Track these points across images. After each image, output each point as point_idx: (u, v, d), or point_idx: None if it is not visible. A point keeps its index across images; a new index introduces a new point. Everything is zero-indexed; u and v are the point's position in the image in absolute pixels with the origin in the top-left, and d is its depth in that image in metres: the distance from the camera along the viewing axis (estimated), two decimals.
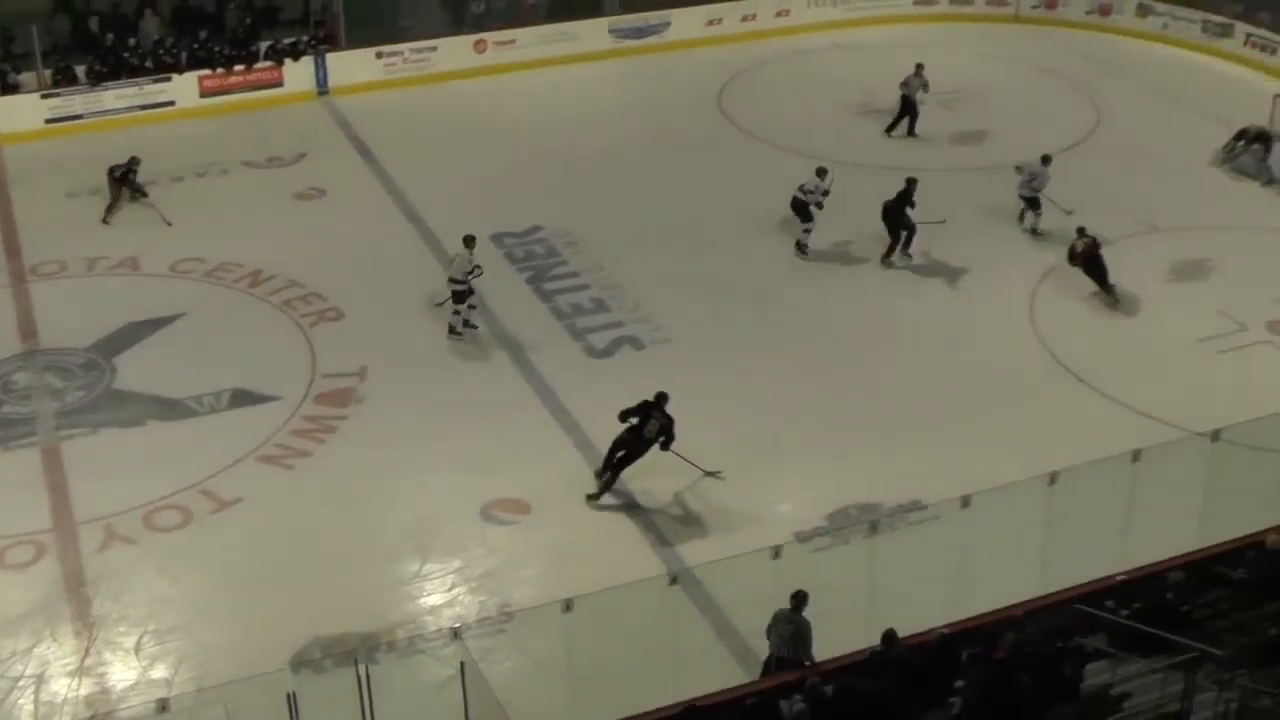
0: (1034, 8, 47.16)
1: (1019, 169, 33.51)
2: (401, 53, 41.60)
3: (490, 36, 42.52)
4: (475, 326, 29.19)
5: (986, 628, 19.64)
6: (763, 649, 20.15)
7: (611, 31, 43.77)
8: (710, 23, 44.83)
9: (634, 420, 24.46)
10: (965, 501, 20.65)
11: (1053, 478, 21.19)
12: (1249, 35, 43.80)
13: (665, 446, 24.64)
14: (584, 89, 41.77)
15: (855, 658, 19.14)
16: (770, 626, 19.80)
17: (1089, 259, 30.68)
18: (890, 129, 38.72)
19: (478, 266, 28.82)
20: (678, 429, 24.34)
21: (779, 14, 45.66)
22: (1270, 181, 36.02)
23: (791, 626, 19.64)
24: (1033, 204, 33.30)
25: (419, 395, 27.03)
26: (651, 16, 44.18)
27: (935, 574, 21.00)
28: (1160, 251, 32.36)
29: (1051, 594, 20.74)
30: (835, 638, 19.86)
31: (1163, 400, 26.86)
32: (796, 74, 43.13)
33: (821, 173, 32.31)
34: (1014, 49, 44.65)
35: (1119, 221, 33.11)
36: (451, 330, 29.06)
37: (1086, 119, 39.48)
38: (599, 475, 24.79)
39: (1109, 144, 37.84)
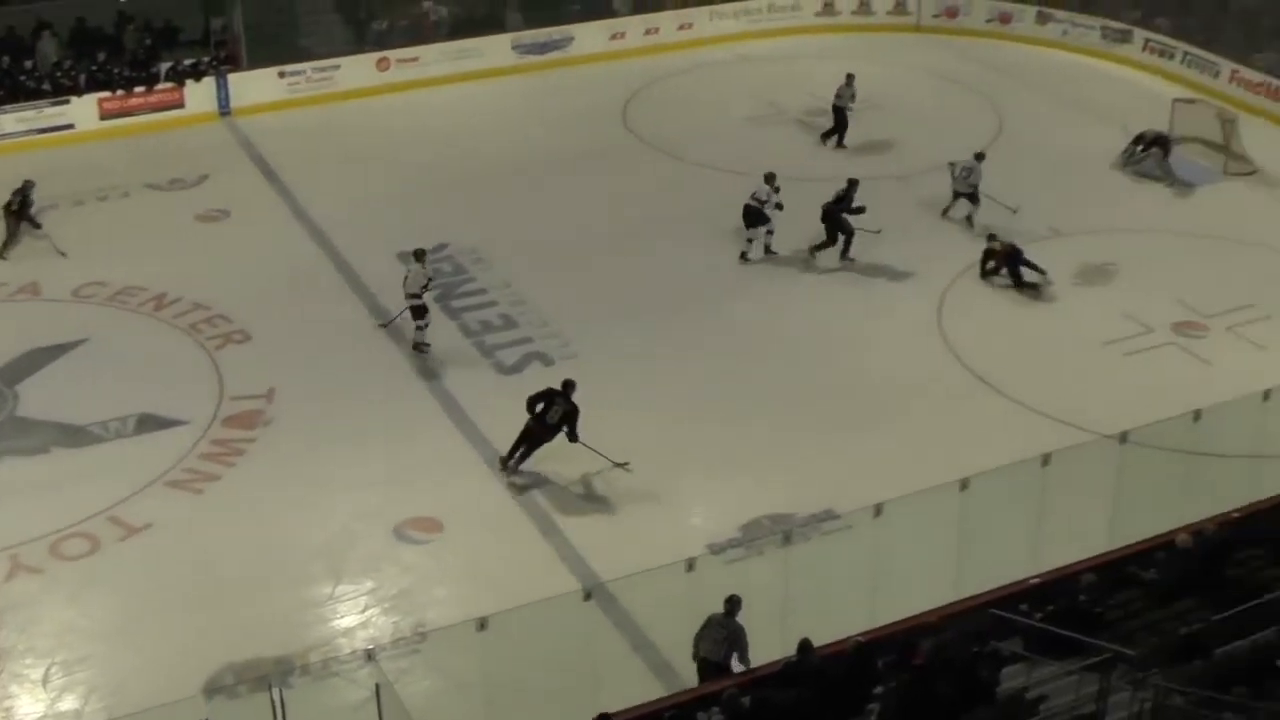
0: (935, 17, 47.49)
1: (952, 165, 34.17)
2: (304, 72, 41.38)
3: (393, 54, 42.37)
4: (428, 345, 29.02)
5: (902, 635, 19.69)
6: (680, 660, 20.24)
7: (514, 47, 43.70)
8: (613, 37, 44.87)
9: (539, 406, 24.99)
10: (878, 510, 20.68)
11: (964, 483, 21.28)
12: (1147, 41, 44.29)
13: (572, 437, 25.03)
14: (488, 105, 41.68)
15: (771, 668, 19.15)
16: (701, 632, 19.80)
17: (1009, 258, 31.27)
18: (825, 137, 38.94)
19: (431, 279, 28.95)
20: (590, 429, 24.33)
21: (681, 27, 45.76)
22: (1175, 183, 36.43)
23: (724, 631, 19.72)
24: (971, 198, 33.99)
25: (328, 416, 26.83)
26: (554, 32, 44.16)
27: (850, 583, 21.04)
28: (1065, 255, 32.58)
29: (966, 599, 20.82)
30: (751, 649, 19.90)
31: (1071, 403, 27.04)
32: (700, 86, 43.21)
33: (770, 178, 32.59)
34: (916, 58, 44.92)
35: (1024, 226, 33.40)
36: (416, 346, 29.00)
37: (989, 125, 39.74)
38: (504, 461, 25.37)
39: (1012, 150, 38.04)
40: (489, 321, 30.04)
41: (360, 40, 43.17)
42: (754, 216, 32.47)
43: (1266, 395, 23.66)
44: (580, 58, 44.26)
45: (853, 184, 32.55)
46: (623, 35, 44.98)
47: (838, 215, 32.30)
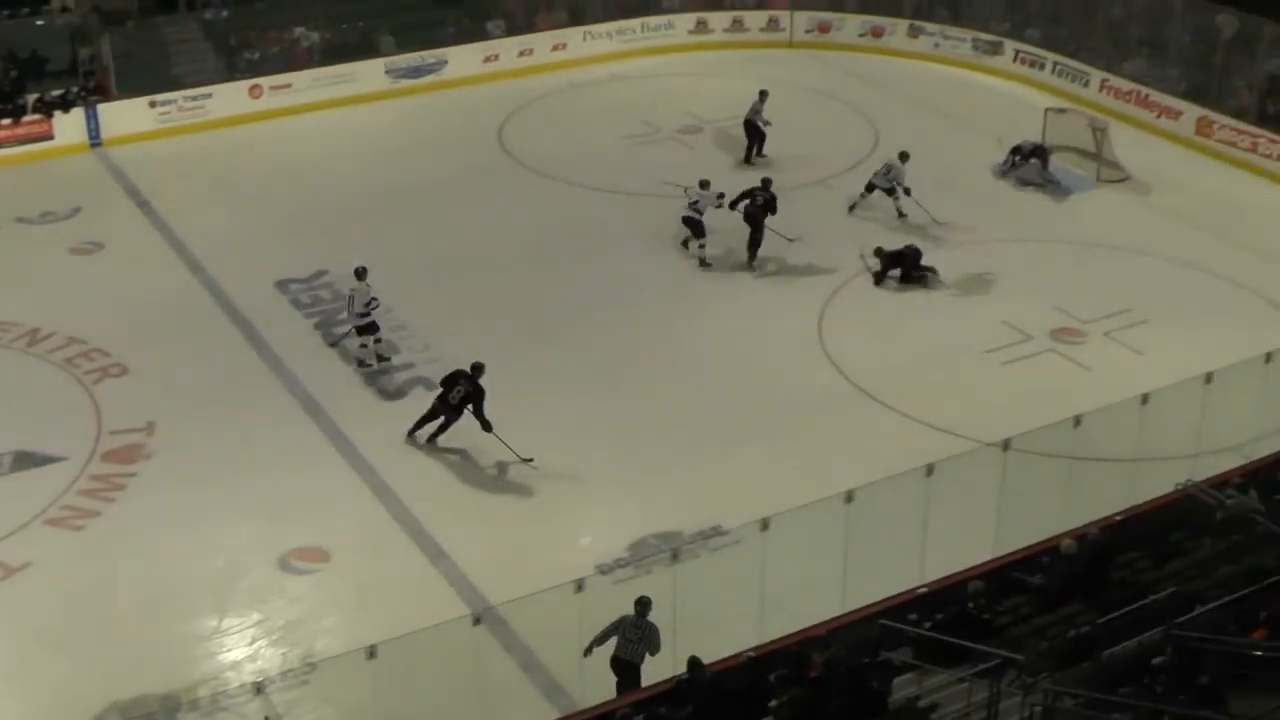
0: (808, 32, 47.75)
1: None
2: (175, 101, 40.93)
3: (265, 81, 42.02)
4: (388, 359, 29.43)
5: (793, 648, 19.76)
6: (572, 681, 20.40)
7: (388, 72, 43.48)
8: (487, 59, 44.76)
9: (442, 388, 26.28)
10: (764, 524, 20.68)
11: (849, 495, 21.31)
12: (1018, 52, 44.82)
13: (482, 423, 25.98)
14: (363, 130, 41.45)
15: (663, 687, 19.15)
16: (606, 633, 20.06)
17: (900, 259, 32.36)
18: (748, 158, 39.09)
19: (374, 298, 29.09)
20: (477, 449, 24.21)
21: (555, 48, 45.73)
22: (1057, 191, 36.89)
23: (639, 632, 20.06)
24: (889, 193, 35.41)
25: (209, 447, 26.54)
26: (428, 55, 43.96)
27: (739, 598, 21.06)
28: (943, 265, 32.82)
29: (856, 610, 20.94)
30: (642, 668, 19.90)
31: (953, 413, 27.26)
32: (576, 106, 43.22)
33: (705, 184, 33.19)
34: (791, 74, 45.10)
35: (902, 237, 33.66)
36: (361, 363, 29.22)
37: (866, 139, 40.00)
38: (410, 434, 26.66)
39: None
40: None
41: (232, 68, 42.73)
42: (693, 224, 33.16)
43: (1145, 399, 23.92)
44: (455, 80, 44.09)
45: (767, 181, 33.56)
46: (497, 57, 44.86)
47: (761, 219, 33.03)
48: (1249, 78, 40.26)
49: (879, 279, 32.32)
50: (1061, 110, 40.07)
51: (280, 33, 43.52)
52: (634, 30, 46.83)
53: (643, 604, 20.16)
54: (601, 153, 39.46)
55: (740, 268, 32.90)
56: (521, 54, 45.24)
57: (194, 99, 41.16)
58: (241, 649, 22.02)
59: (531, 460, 25.86)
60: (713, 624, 20.47)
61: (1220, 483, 23.24)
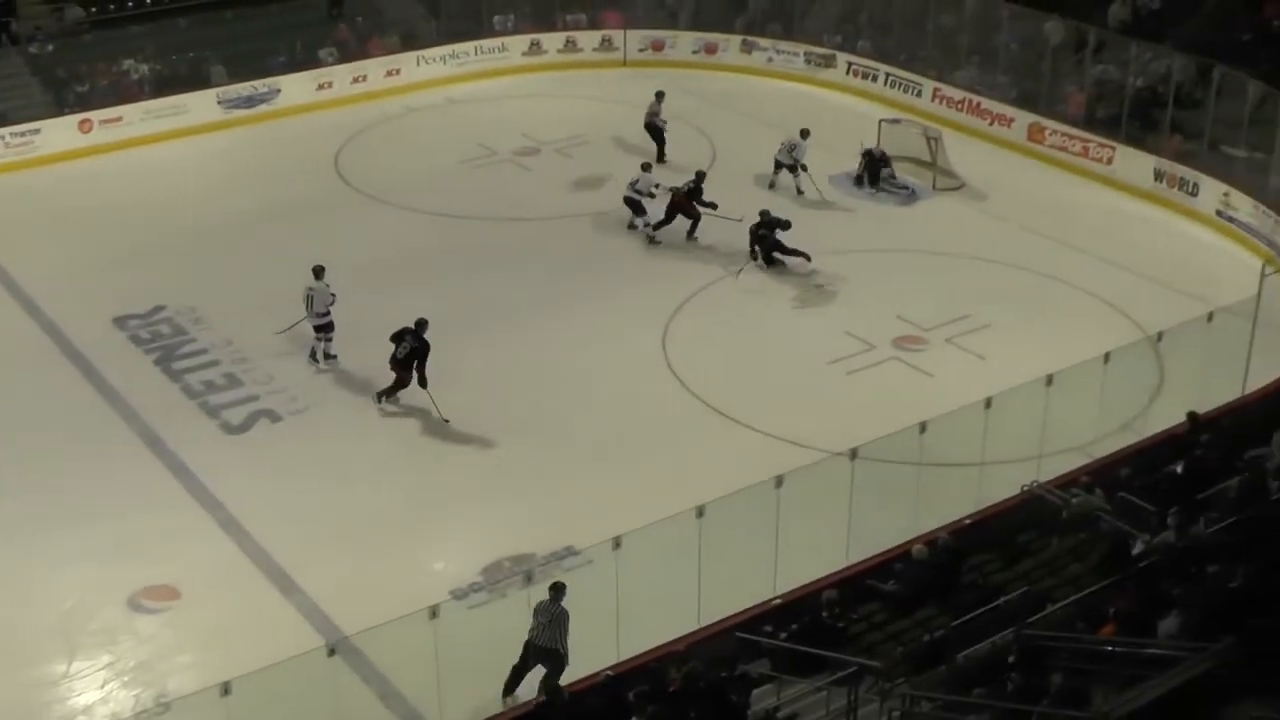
0: (641, 51, 47.84)
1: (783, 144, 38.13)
2: (3, 137, 40.19)
3: (95, 115, 41.37)
4: (335, 356, 30.11)
5: (651, 664, 19.78)
6: (430, 711, 20.29)
7: (220, 102, 42.98)
8: (321, 86, 44.41)
9: (392, 344, 28.07)
10: (617, 542, 20.69)
11: (700, 510, 21.37)
12: (851, 64, 45.21)
13: (421, 380, 27.89)
14: (197, 162, 40.88)
15: (522, 709, 19.12)
16: (533, 613, 20.65)
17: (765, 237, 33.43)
18: (660, 158, 39.71)
19: (333, 297, 29.78)
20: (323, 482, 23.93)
21: (389, 73, 45.46)
22: (907, 197, 37.33)
23: (548, 615, 20.55)
24: (792, 170, 37.78)
25: (51, 488, 26.09)
26: (260, 84, 43.49)
27: (595, 617, 21.01)
28: (784, 278, 33.11)
29: (712, 624, 21.01)
30: (500, 691, 19.89)
31: (800, 424, 27.43)
32: (411, 132, 42.98)
33: (647, 167, 34.89)
34: (626, 93, 45.11)
35: (743, 251, 33.82)
36: (312, 356, 30.06)
37: (703, 155, 40.12)
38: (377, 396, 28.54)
39: (727, 178, 38.52)
40: (212, 381, 29.49)
41: (60, 102, 42.06)
42: (633, 205, 35.36)
43: (988, 403, 24.21)
44: (289, 109, 43.69)
45: (700, 175, 35.06)
46: (330, 84, 44.53)
47: (688, 204, 34.49)
48: (1077, 83, 40.89)
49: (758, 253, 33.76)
50: (895, 121, 40.52)
51: (109, 65, 42.94)
52: (468, 54, 46.64)
53: (556, 589, 20.65)
54: (439, 177, 39.30)
55: (574, 282, 33.08)
56: (355, 80, 44.93)
57: (21, 135, 40.44)
58: (92, 692, 21.67)
59: (449, 421, 27.75)
60: (570, 644, 20.42)
61: (1066, 482, 23.63)
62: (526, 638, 20.70)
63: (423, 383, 27.94)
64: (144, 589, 23.56)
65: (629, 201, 35.44)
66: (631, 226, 35.47)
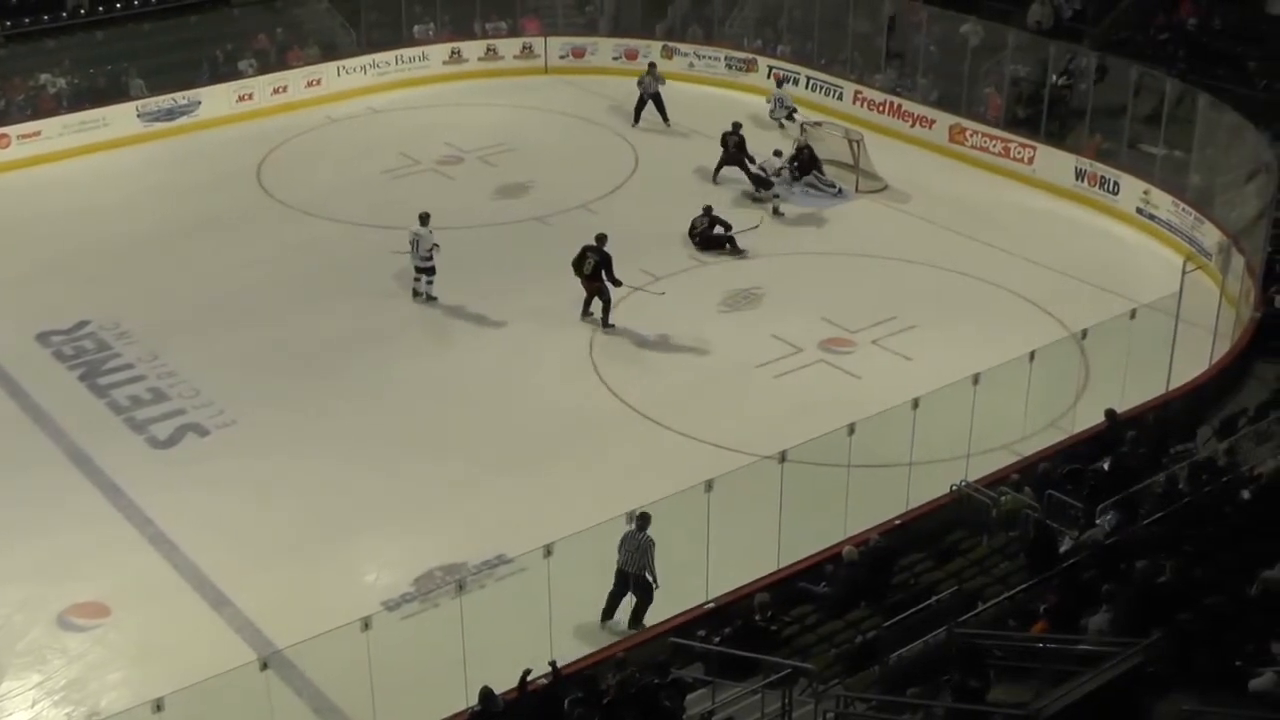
0: (562, 58, 47.86)
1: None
2: None
3: (12, 130, 40.98)
4: (436, 298, 32.71)
5: (585, 671, 19.80)
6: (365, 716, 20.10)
7: (140, 115, 42.68)
8: (241, 98, 44.17)
9: (574, 269, 31.26)
10: (548, 550, 20.67)
11: (630, 516, 21.47)
12: (771, 68, 45.29)
13: (615, 283, 31.16)
14: (118, 175, 40.56)
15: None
16: (619, 545, 22.04)
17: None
18: (665, 120, 42.99)
19: (436, 245, 32.35)
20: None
21: (310, 84, 45.28)
22: (840, 194, 37.57)
23: (635, 543, 21.87)
24: (789, 116, 42.46)
25: None
26: (180, 97, 43.19)
27: (528, 625, 21.03)
28: (710, 283, 33.21)
29: (645, 630, 21.05)
30: (434, 701, 19.85)
31: (729, 428, 27.51)
32: (333, 142, 42.83)
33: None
34: (548, 100, 45.23)
35: (667, 256, 34.00)
36: (415, 294, 32.81)
37: (626, 161, 40.20)
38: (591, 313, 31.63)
39: (650, 183, 38.70)
40: (138, 396, 29.29)
41: None
42: (760, 183, 37.76)
43: (916, 403, 24.33)
44: (210, 121, 43.44)
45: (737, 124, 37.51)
46: (250, 96, 44.29)
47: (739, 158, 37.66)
48: (996, 84, 41.16)
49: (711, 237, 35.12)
50: (817, 124, 40.69)
51: (25, 80, 42.56)
52: (388, 63, 46.52)
53: (641, 519, 21.91)
54: (362, 187, 39.17)
55: (500, 290, 33.15)
56: (275, 91, 44.73)
57: None
58: (23, 713, 21.49)
59: (664, 293, 32.21)
60: (503, 653, 20.35)
61: (994, 481, 23.80)
62: (617, 566, 22.11)
63: (617, 284, 31.22)
64: (73, 606, 23.38)
65: (757, 179, 37.57)
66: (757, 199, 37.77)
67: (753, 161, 37.94)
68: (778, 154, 37.95)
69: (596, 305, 31.46)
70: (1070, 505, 22.48)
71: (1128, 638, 16.98)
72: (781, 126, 42.47)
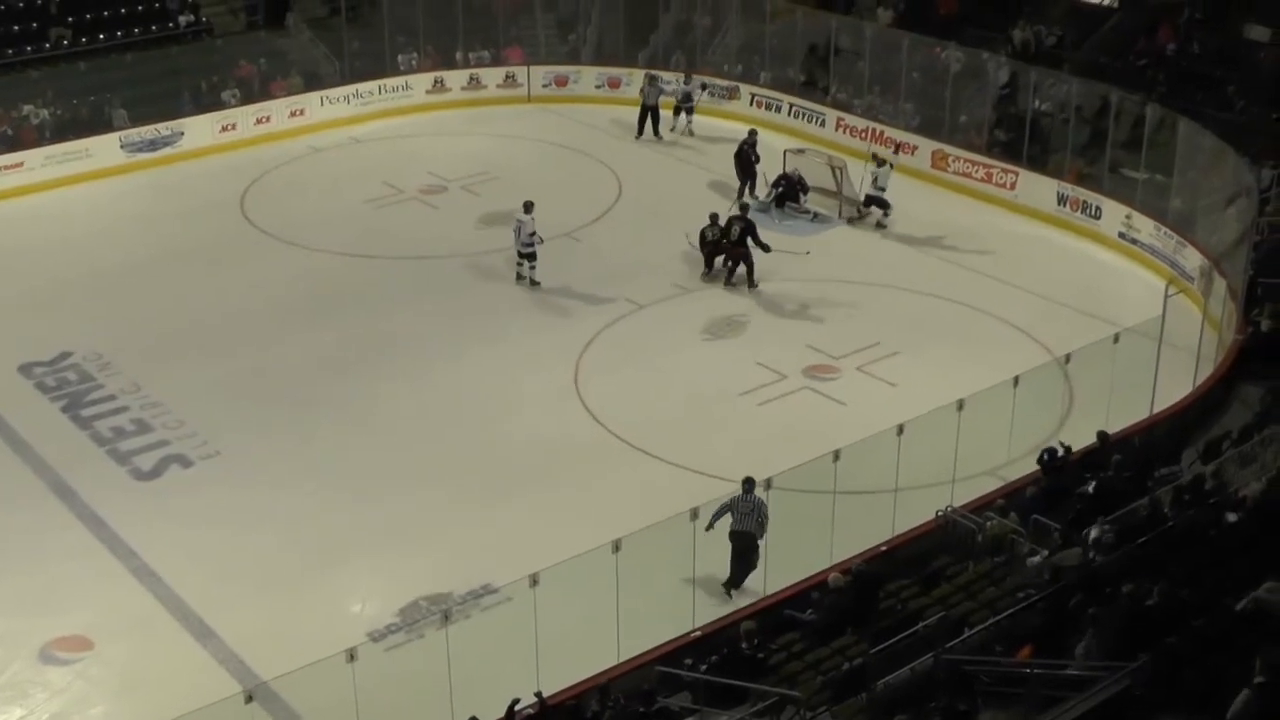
0: (545, 86, 47.88)
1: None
2: None
3: None
4: (539, 284, 34.38)
5: (571, 701, 19.75)
6: None
7: (123, 146, 42.64)
8: (224, 128, 44.14)
9: (722, 237, 34.22)
10: (534, 579, 20.62)
11: (616, 544, 21.39)
12: (754, 96, 45.38)
13: (764, 248, 34.19)
14: (101, 206, 40.49)
15: None
16: (720, 510, 23.02)
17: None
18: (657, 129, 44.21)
19: (535, 234, 34.04)
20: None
21: (293, 114, 45.26)
22: (824, 221, 37.67)
23: (749, 505, 23.09)
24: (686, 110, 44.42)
25: None
26: (163, 127, 43.15)
27: (514, 655, 20.96)
28: (694, 311, 33.20)
29: (632, 658, 20.99)
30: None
31: (714, 456, 27.45)
32: (317, 172, 42.81)
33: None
34: (531, 129, 45.26)
35: (651, 285, 34.01)
36: (519, 278, 34.63)
37: (609, 189, 40.22)
38: (719, 272, 34.50)
39: (634, 210, 38.73)
40: (121, 428, 29.20)
41: None
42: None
43: (901, 429, 24.30)
44: (193, 151, 43.39)
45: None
46: (234, 126, 44.27)
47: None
48: (978, 110, 41.24)
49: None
50: (800, 151, 40.68)
51: (8, 111, 42.50)
52: (371, 93, 46.53)
53: (748, 482, 23.11)
54: (345, 217, 39.13)
55: (485, 319, 33.09)
56: (259, 121, 44.71)
57: None
58: None
59: (809, 252, 35.07)
60: (490, 683, 20.28)
61: (979, 506, 23.77)
62: (730, 528, 23.06)
63: (765, 248, 34.09)
64: (56, 639, 23.27)
65: (872, 199, 38.45)
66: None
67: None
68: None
69: (726, 273, 34.63)
70: (1055, 529, 22.46)
71: (1115, 661, 16.97)
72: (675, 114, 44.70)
